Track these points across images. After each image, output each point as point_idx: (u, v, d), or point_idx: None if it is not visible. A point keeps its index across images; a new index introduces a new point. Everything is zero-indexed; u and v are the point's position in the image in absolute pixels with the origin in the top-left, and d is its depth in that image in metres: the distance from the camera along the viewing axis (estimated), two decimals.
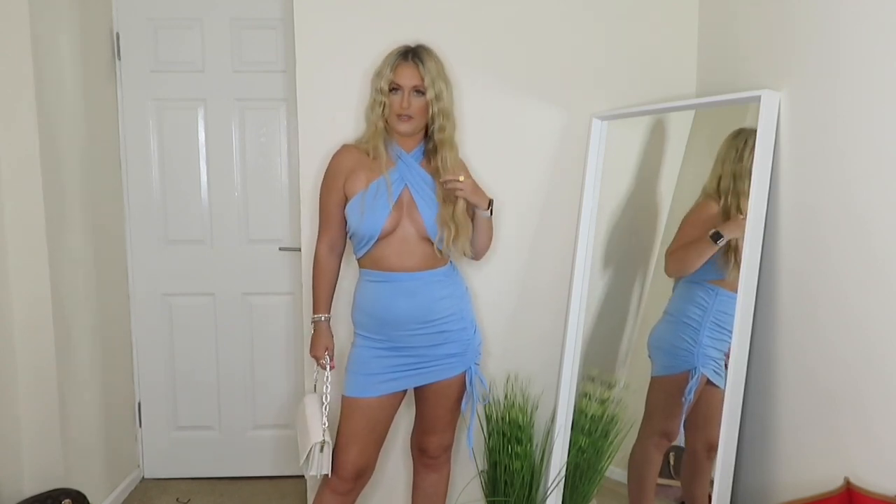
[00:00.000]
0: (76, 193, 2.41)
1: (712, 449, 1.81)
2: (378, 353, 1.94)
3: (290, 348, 2.88)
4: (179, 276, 2.87)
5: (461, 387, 2.01)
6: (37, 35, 2.16)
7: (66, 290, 2.32)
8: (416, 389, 2.03)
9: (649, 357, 2.10)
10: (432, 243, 1.93)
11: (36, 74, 2.14)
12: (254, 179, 2.84)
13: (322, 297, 2.02)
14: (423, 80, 1.91)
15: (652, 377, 2.08)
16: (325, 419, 1.93)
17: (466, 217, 1.96)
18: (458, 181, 1.86)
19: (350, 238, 1.99)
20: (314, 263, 2.03)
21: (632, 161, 2.28)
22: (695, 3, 2.27)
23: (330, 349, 2.01)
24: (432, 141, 2.00)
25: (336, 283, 2.05)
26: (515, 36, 2.27)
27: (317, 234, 2.05)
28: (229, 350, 2.90)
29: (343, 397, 1.96)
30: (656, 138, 2.26)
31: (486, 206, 1.94)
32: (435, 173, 1.97)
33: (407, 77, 1.92)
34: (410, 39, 1.99)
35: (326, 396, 1.96)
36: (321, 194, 2.01)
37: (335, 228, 2.00)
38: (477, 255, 2.05)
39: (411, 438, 2.16)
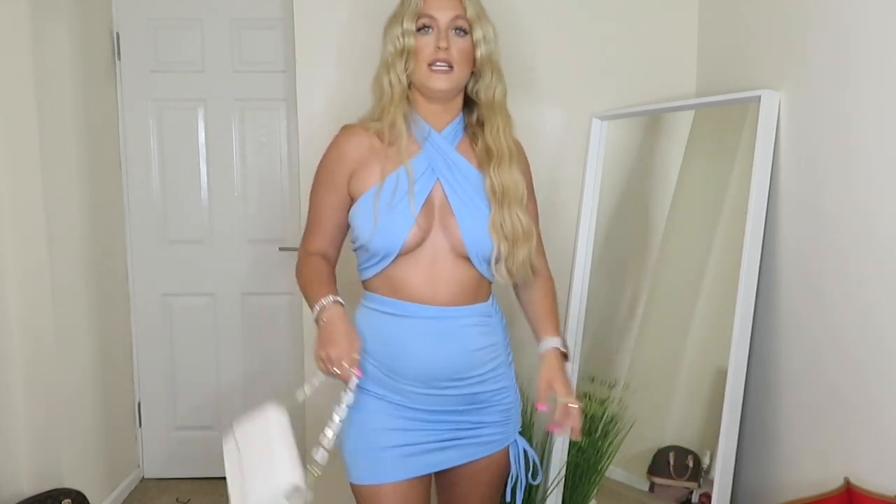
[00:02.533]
0: (76, 193, 2.41)
1: None
2: (386, 415, 1.39)
3: (290, 348, 2.88)
4: (179, 276, 2.87)
5: (502, 469, 1.46)
6: (37, 35, 2.16)
7: (66, 289, 2.32)
8: (439, 478, 1.48)
9: None
10: (468, 265, 1.40)
11: (36, 74, 2.14)
12: (254, 179, 2.84)
13: (321, 280, 1.39)
14: (465, 10, 1.38)
15: None
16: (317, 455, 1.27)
17: (531, 226, 1.42)
18: (577, 422, 1.34)
19: (355, 252, 1.45)
20: (298, 264, 1.46)
21: (632, 161, 2.28)
22: (695, 3, 2.27)
23: (357, 346, 1.32)
24: (476, 111, 1.46)
25: (334, 275, 1.44)
26: (515, 36, 2.27)
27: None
28: (229, 350, 2.90)
29: (353, 486, 1.42)
30: (656, 138, 2.26)
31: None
32: (483, 160, 1.42)
33: (443, 7, 1.37)
34: None
35: (332, 434, 1.28)
36: (314, 191, 1.45)
37: (327, 238, 1.44)
38: (526, 285, 1.54)
39: None
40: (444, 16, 1.37)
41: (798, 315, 1.71)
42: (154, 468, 2.95)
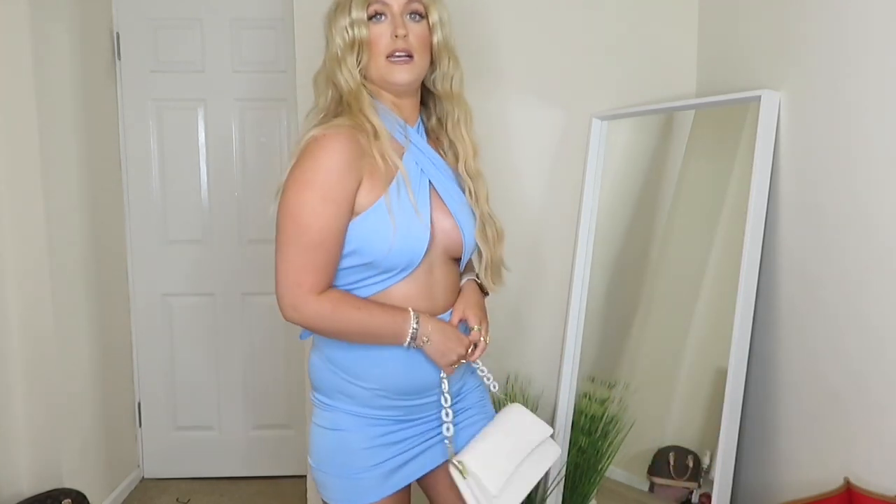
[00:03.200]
0: (76, 193, 2.41)
1: None
2: (366, 436, 1.28)
3: (289, 348, 2.88)
4: (179, 276, 2.87)
5: None
6: (37, 35, 2.16)
7: (66, 290, 2.32)
8: (432, 485, 1.40)
9: None
10: (457, 266, 1.36)
11: (36, 74, 2.14)
12: (254, 179, 2.84)
13: (376, 306, 1.24)
14: None
15: None
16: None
17: (502, 226, 1.39)
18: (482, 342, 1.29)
19: (345, 269, 1.25)
20: (322, 314, 1.22)
21: (632, 161, 2.28)
22: (695, 3, 2.27)
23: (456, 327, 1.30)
24: (435, 111, 1.37)
25: None
26: (515, 36, 2.27)
27: (293, 283, 1.20)
28: (229, 350, 2.90)
29: None
30: (656, 138, 2.26)
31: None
32: (450, 158, 1.36)
33: None
34: None
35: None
36: (313, 214, 1.18)
37: (333, 268, 1.22)
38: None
39: None
40: (396, 1, 1.25)
41: (798, 315, 1.71)
42: (154, 468, 2.95)
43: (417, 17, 1.27)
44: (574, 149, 2.29)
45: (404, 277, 1.25)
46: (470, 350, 1.30)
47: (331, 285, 1.24)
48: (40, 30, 2.18)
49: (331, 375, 1.30)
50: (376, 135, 1.22)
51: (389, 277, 1.24)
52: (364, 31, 1.23)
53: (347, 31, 1.23)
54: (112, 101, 2.75)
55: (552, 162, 2.30)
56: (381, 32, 1.24)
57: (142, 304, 2.87)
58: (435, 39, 1.29)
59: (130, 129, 2.80)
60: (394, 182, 1.22)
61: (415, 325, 1.23)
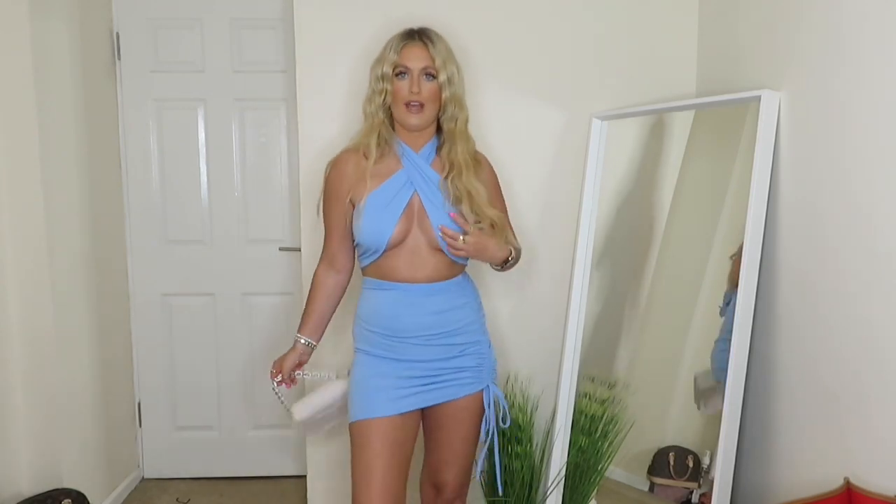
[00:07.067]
0: (76, 193, 2.41)
1: None
2: (382, 367, 1.72)
3: (289, 348, 2.87)
4: (179, 276, 2.87)
5: (478, 410, 1.79)
6: (37, 35, 2.16)
7: (65, 290, 2.32)
8: (426, 417, 1.80)
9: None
10: (443, 254, 1.73)
11: (36, 74, 2.14)
12: (254, 179, 2.84)
13: (311, 315, 1.85)
14: (433, 60, 1.68)
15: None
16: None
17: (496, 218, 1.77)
18: (458, 240, 1.66)
19: (356, 247, 1.80)
20: (311, 281, 1.85)
21: (632, 161, 2.28)
22: (695, 3, 2.27)
23: (292, 370, 1.91)
24: (447, 140, 1.77)
25: (334, 304, 1.86)
26: (515, 36, 2.27)
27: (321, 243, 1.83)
28: (229, 350, 2.90)
29: (350, 426, 1.72)
30: (656, 138, 2.26)
31: (500, 260, 1.77)
32: (447, 169, 1.74)
33: (416, 58, 1.69)
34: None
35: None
36: (324, 208, 1.78)
37: (336, 243, 1.79)
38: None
39: (421, 479, 1.92)
40: (416, 65, 1.69)
41: (797, 315, 1.71)
42: (154, 468, 2.95)
43: (431, 77, 1.70)
44: (574, 149, 2.29)
45: (381, 255, 1.70)
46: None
47: (332, 257, 1.81)
48: (40, 30, 2.18)
49: (357, 325, 1.80)
50: (366, 155, 1.71)
51: (371, 254, 1.73)
52: (389, 85, 1.70)
53: (379, 81, 1.71)
54: (112, 101, 2.75)
55: (552, 162, 2.31)
56: (403, 86, 1.69)
57: (142, 304, 2.87)
58: (444, 95, 1.71)
59: (130, 129, 2.80)
60: (378, 190, 1.69)
61: (298, 335, 1.90)
